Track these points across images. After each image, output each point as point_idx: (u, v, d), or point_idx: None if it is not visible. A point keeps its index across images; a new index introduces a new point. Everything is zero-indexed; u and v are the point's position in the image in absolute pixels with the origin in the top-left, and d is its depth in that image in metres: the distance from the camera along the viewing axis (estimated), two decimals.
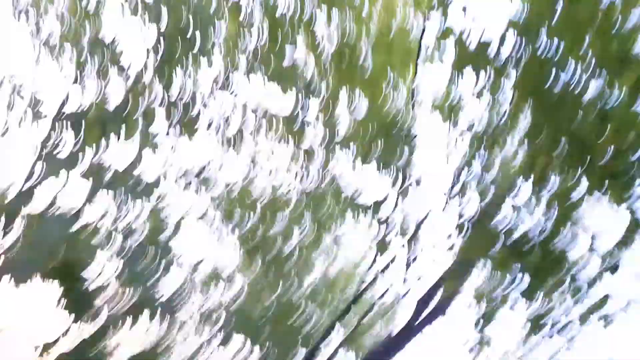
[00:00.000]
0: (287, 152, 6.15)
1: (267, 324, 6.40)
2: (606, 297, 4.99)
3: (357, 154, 6.10)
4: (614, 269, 4.77)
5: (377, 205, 6.18)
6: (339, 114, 5.87)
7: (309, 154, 6.36)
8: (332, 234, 7.38)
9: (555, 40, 4.09)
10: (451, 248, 5.73)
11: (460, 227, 5.50)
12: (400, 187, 6.04)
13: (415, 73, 5.61)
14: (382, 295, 6.48)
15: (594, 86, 4.11)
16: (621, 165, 4.13)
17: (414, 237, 6.23)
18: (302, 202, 6.60)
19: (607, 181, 4.32)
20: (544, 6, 4.01)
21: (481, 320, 5.65)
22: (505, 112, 4.87)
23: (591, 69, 4.08)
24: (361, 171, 6.10)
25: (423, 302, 6.36)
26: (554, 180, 4.73)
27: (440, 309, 6.13)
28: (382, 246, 6.49)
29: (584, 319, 4.93)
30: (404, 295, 6.73)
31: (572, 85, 3.97)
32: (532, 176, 4.71)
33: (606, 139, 4.00)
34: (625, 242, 4.69)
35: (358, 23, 5.53)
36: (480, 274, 6.33)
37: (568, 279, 5.01)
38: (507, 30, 4.16)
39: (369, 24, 5.64)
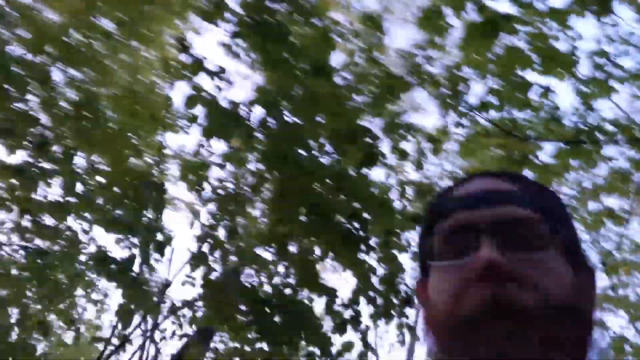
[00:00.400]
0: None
1: None
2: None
3: (100, 213, 5.63)
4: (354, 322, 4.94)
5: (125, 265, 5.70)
6: (77, 170, 5.38)
7: (40, 210, 5.73)
8: (72, 297, 6.70)
9: (296, 115, 4.27)
10: (194, 313, 5.52)
11: (204, 292, 5.33)
12: (149, 247, 5.67)
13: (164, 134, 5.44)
14: None
15: (329, 159, 4.40)
16: (352, 231, 4.41)
17: (160, 300, 5.88)
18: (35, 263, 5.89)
19: (340, 245, 4.56)
20: (284, 82, 4.17)
21: None
22: (251, 180, 4.93)
23: (327, 143, 4.35)
24: (107, 231, 5.60)
25: None
26: (295, 244, 4.89)
27: None
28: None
29: None
30: None
31: (311, 158, 4.17)
32: (275, 241, 4.79)
33: (340, 206, 4.24)
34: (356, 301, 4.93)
35: (101, 83, 5.19)
36: (221, 338, 6.22)
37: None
38: (255, 101, 4.19)
39: (114, 85, 5.34)
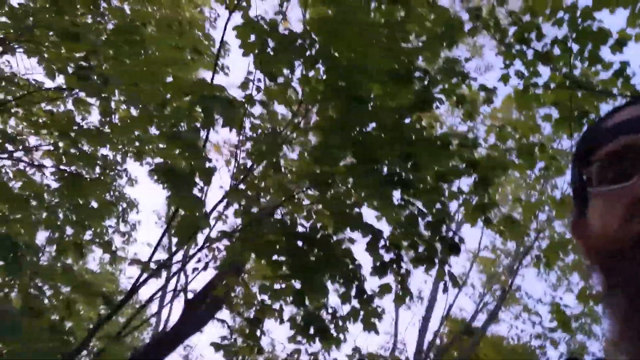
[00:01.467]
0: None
1: None
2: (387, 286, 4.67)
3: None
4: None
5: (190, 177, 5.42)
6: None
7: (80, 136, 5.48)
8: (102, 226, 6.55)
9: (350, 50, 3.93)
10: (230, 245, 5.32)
11: (241, 225, 5.12)
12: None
13: None
14: None
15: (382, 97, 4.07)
16: (399, 174, 4.12)
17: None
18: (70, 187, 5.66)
19: (382, 188, 4.28)
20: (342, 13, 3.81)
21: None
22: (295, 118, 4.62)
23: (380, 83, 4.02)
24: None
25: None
26: (336, 186, 4.64)
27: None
28: None
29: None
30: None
31: (367, 96, 3.84)
32: (319, 180, 4.52)
33: (391, 148, 3.95)
34: None
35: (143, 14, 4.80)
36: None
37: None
38: (314, 31, 3.82)
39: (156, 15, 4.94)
